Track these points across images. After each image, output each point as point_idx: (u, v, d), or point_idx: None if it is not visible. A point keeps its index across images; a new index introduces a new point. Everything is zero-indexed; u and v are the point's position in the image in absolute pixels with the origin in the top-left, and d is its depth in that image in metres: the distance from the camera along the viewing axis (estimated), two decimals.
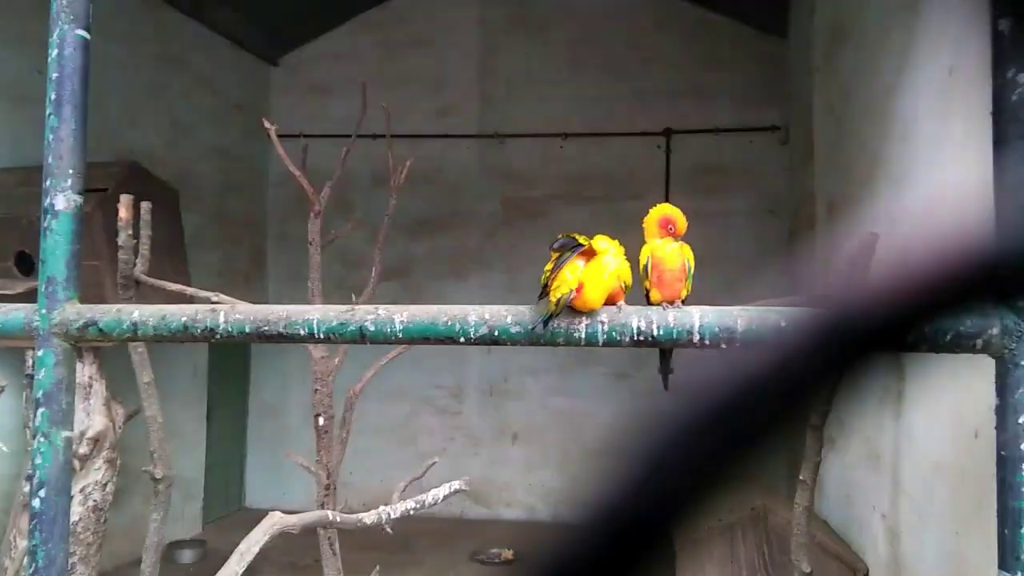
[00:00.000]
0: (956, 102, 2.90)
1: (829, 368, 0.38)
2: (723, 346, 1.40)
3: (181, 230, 5.64)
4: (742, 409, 0.38)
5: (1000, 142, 1.13)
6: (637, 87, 8.42)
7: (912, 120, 3.45)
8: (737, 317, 1.40)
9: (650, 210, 1.85)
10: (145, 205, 3.25)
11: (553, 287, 1.55)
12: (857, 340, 0.38)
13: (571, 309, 1.55)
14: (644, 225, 1.83)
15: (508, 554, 7.03)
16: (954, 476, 2.84)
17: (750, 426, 0.38)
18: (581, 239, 1.68)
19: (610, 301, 1.59)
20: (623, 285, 1.63)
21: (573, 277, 1.56)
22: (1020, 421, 1.07)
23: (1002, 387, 1.10)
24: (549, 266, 1.63)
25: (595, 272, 1.59)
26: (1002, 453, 1.08)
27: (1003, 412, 1.09)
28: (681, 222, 1.79)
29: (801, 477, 2.95)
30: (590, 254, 1.64)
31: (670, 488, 0.38)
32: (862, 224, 4.11)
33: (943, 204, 3.02)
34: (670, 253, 1.76)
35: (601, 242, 1.65)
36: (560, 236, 1.67)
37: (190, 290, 2.82)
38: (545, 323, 1.49)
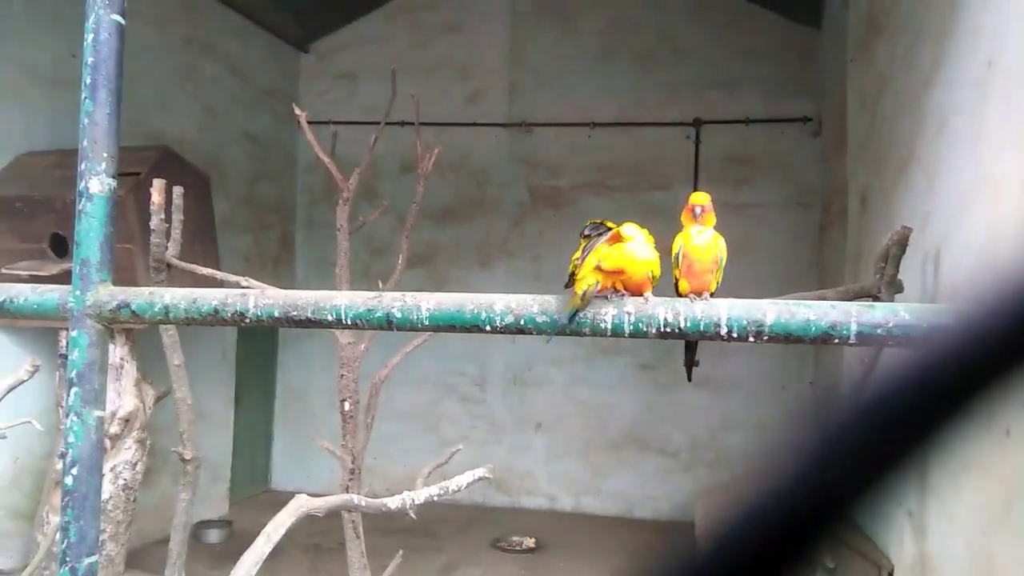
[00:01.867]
0: (994, 96, 2.83)
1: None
2: (751, 339, 1.39)
3: (212, 215, 5.70)
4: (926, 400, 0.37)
5: None
6: (667, 77, 8.33)
7: (948, 113, 3.38)
8: (766, 310, 1.38)
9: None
10: (177, 190, 3.28)
11: (579, 277, 1.54)
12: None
13: (610, 297, 1.54)
14: (682, 217, 1.83)
15: (530, 542, 7.05)
16: (983, 474, 2.79)
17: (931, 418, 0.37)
18: (609, 224, 1.67)
19: (637, 291, 1.58)
20: (651, 275, 1.62)
21: (601, 264, 1.56)
22: None
23: None
24: (578, 254, 1.63)
25: (630, 256, 1.58)
26: None
27: None
28: (694, 197, 1.78)
29: None
30: (616, 240, 1.63)
31: (846, 474, 0.38)
32: (895, 218, 4.04)
33: (979, 200, 2.96)
34: (702, 245, 1.74)
35: (629, 228, 1.64)
36: (589, 223, 1.67)
37: (220, 274, 2.85)
38: (571, 318, 1.48)
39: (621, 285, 1.57)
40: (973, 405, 0.38)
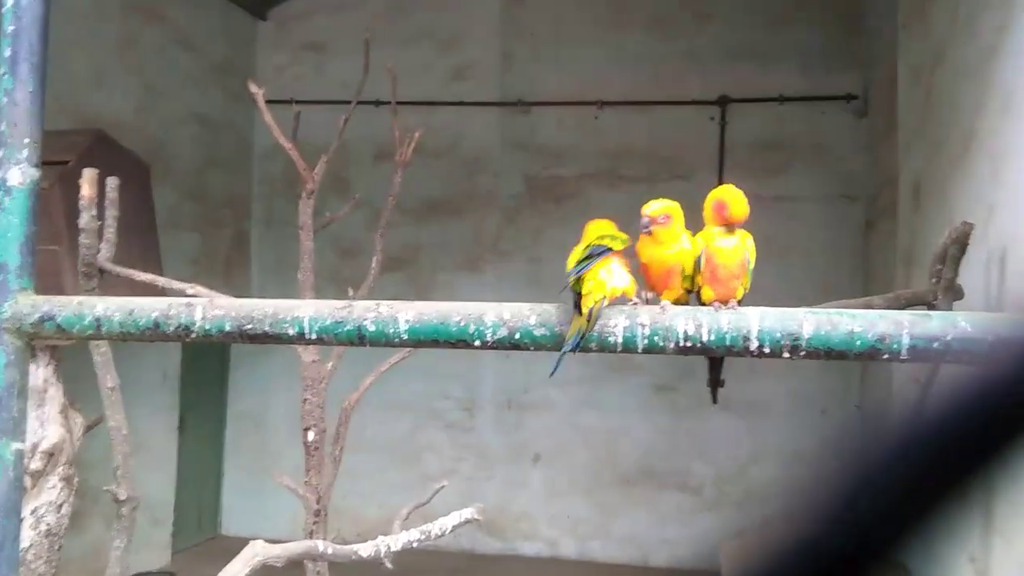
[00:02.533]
0: None
1: None
2: (786, 355, 1.39)
3: (153, 210, 5.69)
4: (973, 429, 0.38)
5: None
6: (688, 47, 8.36)
7: (1015, 88, 3.40)
8: (803, 321, 1.39)
9: (710, 192, 1.83)
10: (112, 181, 3.28)
11: (585, 292, 1.52)
12: None
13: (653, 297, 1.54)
14: (704, 211, 1.81)
15: None
16: None
17: (980, 448, 0.37)
18: (614, 244, 1.64)
19: (659, 286, 1.59)
20: (682, 270, 1.63)
21: (610, 274, 1.55)
22: None
23: None
24: (573, 256, 1.62)
25: (669, 237, 1.58)
26: None
27: None
28: (735, 207, 1.76)
29: None
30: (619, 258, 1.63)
31: (886, 512, 0.38)
32: (954, 212, 4.06)
33: None
34: (728, 248, 1.74)
35: (655, 204, 1.64)
36: (595, 242, 1.64)
37: (162, 281, 2.85)
38: (578, 345, 1.47)
39: (633, 291, 1.57)
40: None
